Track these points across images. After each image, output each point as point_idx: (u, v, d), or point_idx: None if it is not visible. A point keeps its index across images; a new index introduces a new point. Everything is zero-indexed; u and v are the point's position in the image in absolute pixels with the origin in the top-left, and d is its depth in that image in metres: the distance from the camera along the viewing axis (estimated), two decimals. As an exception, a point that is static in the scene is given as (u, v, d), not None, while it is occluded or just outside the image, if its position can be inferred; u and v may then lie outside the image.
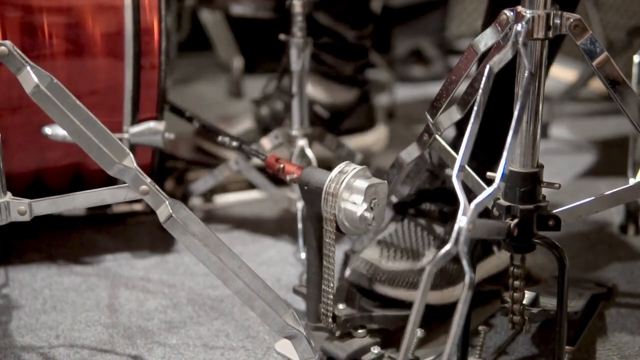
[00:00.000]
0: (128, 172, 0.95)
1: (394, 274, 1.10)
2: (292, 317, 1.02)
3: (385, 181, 1.02)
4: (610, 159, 1.80)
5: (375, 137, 1.70)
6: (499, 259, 1.21)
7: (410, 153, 1.08)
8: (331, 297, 1.03)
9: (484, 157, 1.13)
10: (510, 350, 1.10)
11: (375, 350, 1.04)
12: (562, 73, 2.21)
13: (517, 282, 1.00)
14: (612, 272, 1.30)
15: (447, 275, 1.13)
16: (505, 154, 0.86)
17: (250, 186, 1.47)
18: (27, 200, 0.96)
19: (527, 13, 0.90)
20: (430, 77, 2.33)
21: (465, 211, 0.81)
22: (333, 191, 0.99)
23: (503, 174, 0.85)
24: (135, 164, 0.96)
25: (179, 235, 0.97)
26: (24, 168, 1.26)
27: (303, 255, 1.30)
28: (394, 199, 1.14)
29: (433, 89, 1.06)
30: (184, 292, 1.24)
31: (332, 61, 1.63)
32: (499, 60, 0.91)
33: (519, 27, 0.90)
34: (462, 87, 1.00)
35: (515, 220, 0.94)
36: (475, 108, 0.89)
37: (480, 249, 1.17)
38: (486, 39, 0.95)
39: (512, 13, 0.91)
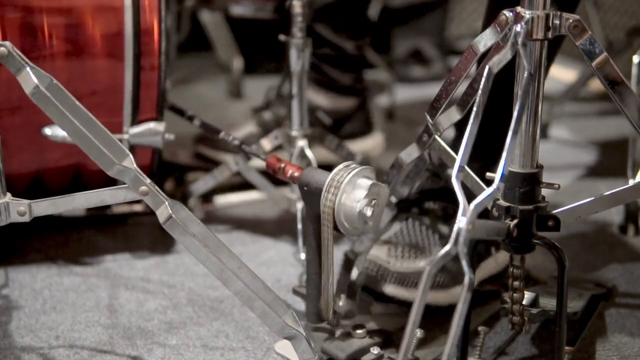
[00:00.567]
0: (128, 172, 0.95)
1: (403, 275, 1.10)
2: (292, 318, 1.02)
3: (387, 185, 1.02)
4: (609, 159, 1.80)
5: (373, 142, 1.72)
6: (495, 262, 1.20)
7: (410, 153, 1.08)
8: (331, 290, 1.03)
9: (486, 158, 1.13)
10: (510, 350, 1.10)
11: (375, 350, 1.04)
12: (561, 73, 2.22)
13: (516, 283, 1.00)
14: (612, 273, 1.30)
15: (454, 274, 1.13)
16: (504, 154, 0.86)
17: (250, 187, 1.47)
18: (26, 201, 0.96)
19: (527, 14, 0.90)
20: (430, 78, 2.33)
21: (464, 212, 0.81)
22: (336, 184, 1.00)
23: (502, 174, 0.85)
24: (134, 165, 0.96)
25: (178, 235, 0.97)
26: (23, 169, 1.26)
27: (303, 256, 1.30)
28: (394, 199, 1.13)
29: (433, 90, 1.06)
30: (183, 293, 1.24)
31: (332, 72, 1.65)
32: (498, 61, 0.91)
33: (518, 27, 0.90)
34: (461, 88, 1.00)
35: (515, 221, 0.94)
36: (474, 108, 0.89)
37: (482, 249, 1.17)
38: (485, 40, 0.95)
39: (511, 14, 0.91)
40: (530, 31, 0.90)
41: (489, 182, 0.88)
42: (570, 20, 0.90)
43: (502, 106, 0.96)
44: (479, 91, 0.90)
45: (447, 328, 0.80)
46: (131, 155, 0.97)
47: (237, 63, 2.21)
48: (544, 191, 0.97)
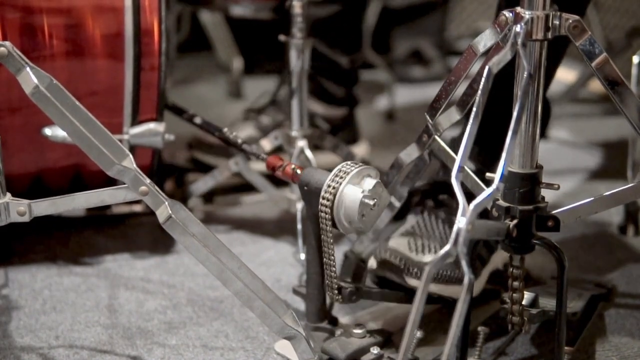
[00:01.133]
0: (127, 173, 0.96)
1: (423, 266, 1.10)
2: (292, 318, 1.02)
3: (390, 195, 1.03)
4: (609, 159, 1.80)
5: (360, 151, 1.73)
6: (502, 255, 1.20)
7: (410, 154, 1.08)
8: (334, 270, 1.03)
9: (489, 158, 1.13)
10: (509, 351, 1.10)
11: (375, 350, 1.04)
12: (561, 74, 2.21)
13: (516, 283, 1.00)
14: (612, 273, 1.30)
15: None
16: (504, 154, 0.86)
17: (250, 187, 1.47)
18: (26, 201, 0.96)
19: (526, 14, 0.90)
20: (430, 78, 2.33)
21: (464, 212, 0.81)
22: (346, 169, 1.00)
23: (502, 174, 0.85)
24: (134, 165, 0.96)
25: (178, 235, 0.97)
26: (23, 169, 1.26)
27: (302, 256, 1.30)
28: (394, 200, 1.13)
29: (432, 90, 1.06)
30: (183, 293, 1.24)
31: (327, 84, 1.67)
32: (498, 61, 0.91)
33: (518, 28, 0.90)
34: (461, 88, 1.00)
35: (515, 221, 0.94)
36: (474, 109, 0.89)
37: (486, 250, 1.17)
38: (485, 40, 0.95)
39: (511, 14, 0.91)
40: (530, 31, 0.90)
41: (488, 183, 0.89)
42: (570, 21, 0.90)
43: (507, 107, 0.95)
44: (479, 91, 0.90)
45: (446, 328, 0.80)
46: (131, 156, 0.97)
47: (237, 63, 2.21)
48: (544, 191, 0.97)
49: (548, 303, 1.05)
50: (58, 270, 1.30)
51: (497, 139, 0.95)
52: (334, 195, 1.00)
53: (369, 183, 1.01)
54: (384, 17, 2.33)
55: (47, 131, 1.19)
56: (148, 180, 0.96)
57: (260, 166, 1.25)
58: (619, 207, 1.44)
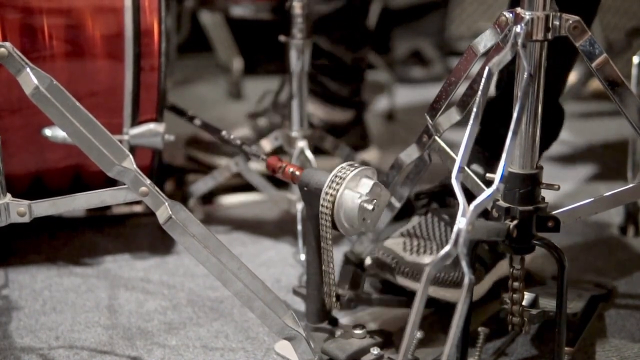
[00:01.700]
0: (128, 173, 0.95)
1: (417, 267, 1.10)
2: (292, 318, 1.02)
3: (389, 192, 1.02)
4: (609, 160, 1.80)
5: (368, 158, 1.71)
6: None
7: (410, 154, 1.08)
8: (333, 277, 1.03)
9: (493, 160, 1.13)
10: (509, 351, 1.10)
11: (375, 351, 1.04)
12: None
13: (516, 284, 1.00)
14: (612, 274, 1.30)
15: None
16: (504, 155, 0.86)
17: (250, 187, 1.47)
18: (26, 202, 0.96)
19: (526, 14, 0.90)
20: (430, 79, 2.33)
21: (464, 212, 0.81)
22: (342, 175, 1.00)
23: (502, 175, 0.85)
24: (134, 166, 0.96)
25: (178, 236, 0.97)
26: (24, 169, 1.26)
27: (302, 257, 1.30)
28: (394, 201, 1.13)
29: (433, 91, 1.06)
30: (183, 293, 1.24)
31: (329, 84, 1.65)
32: (498, 62, 0.91)
33: (518, 28, 0.90)
34: (461, 89, 1.00)
35: (515, 222, 0.94)
36: (474, 109, 0.89)
37: (491, 256, 1.16)
38: (485, 40, 0.95)
39: (511, 14, 0.91)
40: (530, 32, 0.90)
41: (489, 183, 0.89)
42: (570, 21, 0.90)
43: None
44: (479, 92, 0.90)
45: (447, 328, 0.80)
46: (131, 156, 0.97)
47: (237, 64, 2.21)
48: (544, 192, 0.97)
49: (548, 303, 1.05)
50: (58, 271, 1.30)
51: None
52: (333, 203, 1.00)
53: (366, 185, 1.00)
54: (384, 17, 2.33)
55: (47, 132, 1.19)
56: (148, 181, 0.96)
57: (260, 166, 1.25)
58: (619, 207, 1.43)
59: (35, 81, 0.91)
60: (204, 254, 0.97)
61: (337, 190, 1.00)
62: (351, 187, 1.00)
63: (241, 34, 2.35)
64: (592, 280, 1.25)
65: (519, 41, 0.89)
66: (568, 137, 1.89)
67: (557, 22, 0.90)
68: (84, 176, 1.31)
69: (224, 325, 1.16)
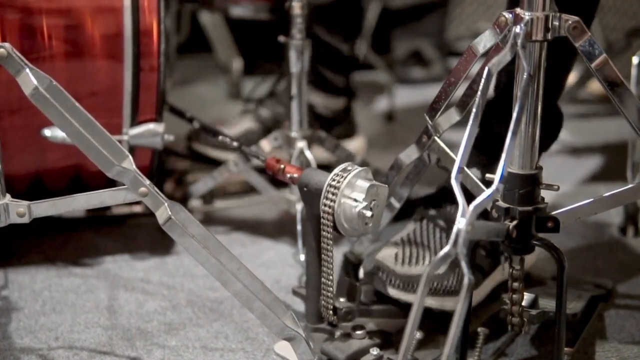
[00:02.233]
0: (127, 174, 0.95)
1: (408, 278, 1.10)
2: (291, 319, 1.02)
3: (386, 185, 1.02)
4: (609, 160, 1.80)
5: (357, 145, 1.73)
6: (503, 271, 1.19)
7: (410, 155, 1.08)
8: (331, 290, 1.03)
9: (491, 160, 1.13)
10: (509, 351, 1.10)
11: (375, 351, 1.04)
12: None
13: (516, 284, 1.00)
14: (611, 274, 1.30)
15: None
16: (504, 155, 0.86)
17: (250, 188, 1.47)
18: (26, 202, 0.96)
19: (526, 15, 0.90)
20: (430, 79, 2.33)
21: (464, 213, 0.81)
22: (336, 184, 1.00)
23: (502, 175, 0.85)
24: (134, 166, 0.96)
25: (178, 237, 0.97)
26: (23, 170, 1.26)
27: (302, 257, 1.30)
28: (393, 201, 1.13)
29: (432, 91, 1.06)
30: (183, 294, 1.24)
31: (327, 73, 1.66)
32: (497, 62, 0.91)
33: (517, 29, 0.90)
34: (461, 89, 1.00)
35: (514, 222, 0.94)
36: (474, 109, 0.89)
37: (489, 262, 1.16)
38: (485, 41, 0.95)
39: (510, 15, 0.91)
40: (529, 32, 0.90)
41: (488, 184, 0.88)
42: (570, 22, 0.90)
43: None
44: (478, 92, 0.90)
45: (446, 329, 0.80)
46: (130, 157, 0.97)
47: (237, 64, 2.21)
48: (544, 192, 0.97)
49: (548, 304, 1.05)
50: (58, 272, 1.30)
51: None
52: (333, 215, 1.00)
53: (362, 188, 1.00)
54: (384, 17, 2.33)
55: (47, 132, 1.19)
56: (148, 181, 0.96)
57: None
58: (619, 208, 1.43)
59: (35, 82, 0.91)
60: (204, 255, 0.97)
61: (334, 201, 0.99)
62: (347, 195, 1.00)
63: (241, 34, 2.35)
64: (592, 280, 1.25)
65: (519, 41, 0.89)
66: (568, 137, 1.89)
67: (556, 23, 0.90)
68: (84, 176, 1.31)
69: (223, 326, 1.16)
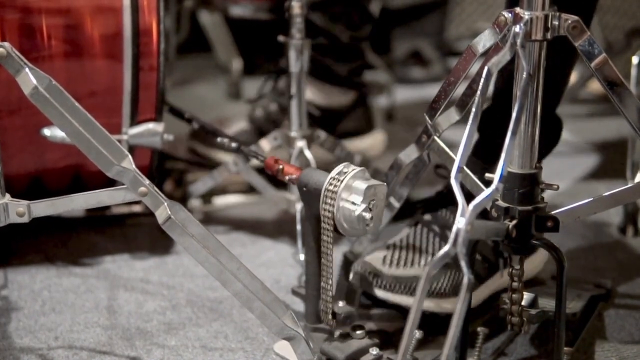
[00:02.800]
0: (127, 173, 0.95)
1: (395, 279, 1.10)
2: (291, 319, 1.02)
3: (385, 183, 1.02)
4: (608, 160, 1.80)
5: (371, 142, 1.70)
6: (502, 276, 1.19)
7: (409, 154, 1.08)
8: (330, 294, 1.03)
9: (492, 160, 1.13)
10: (509, 351, 1.10)
11: (374, 351, 1.04)
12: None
13: (515, 284, 1.00)
14: (611, 273, 1.30)
15: (456, 284, 1.12)
16: (503, 155, 0.86)
17: (249, 188, 1.47)
18: (25, 202, 0.96)
19: (526, 14, 0.90)
20: (430, 79, 2.33)
21: (463, 212, 0.81)
22: (333, 189, 0.99)
23: (501, 175, 0.85)
24: (133, 166, 0.96)
25: (177, 236, 0.97)
26: (23, 169, 1.26)
27: (302, 257, 1.30)
28: (393, 201, 1.13)
29: (432, 91, 1.06)
30: (183, 294, 1.24)
31: (327, 62, 1.63)
32: (497, 62, 0.91)
33: (517, 28, 0.90)
34: (461, 89, 1.00)
35: (514, 222, 0.94)
36: (473, 109, 0.89)
37: (486, 268, 1.16)
38: (485, 40, 0.95)
39: (510, 14, 0.91)
40: (529, 32, 0.90)
41: (488, 183, 0.88)
42: (569, 21, 0.90)
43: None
44: (478, 92, 0.90)
45: (446, 329, 0.80)
46: (130, 156, 0.97)
47: (237, 64, 2.21)
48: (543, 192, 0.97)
49: (547, 303, 1.05)
50: (57, 271, 1.30)
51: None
52: (333, 220, 1.00)
53: (359, 190, 0.99)
54: (383, 17, 2.33)
55: (46, 132, 1.19)
56: (147, 181, 0.96)
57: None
58: (619, 207, 1.43)
59: (34, 81, 0.91)
60: (203, 254, 0.97)
61: (334, 206, 0.99)
62: (345, 198, 1.00)
63: (240, 34, 2.35)
64: (592, 280, 1.25)
65: (518, 41, 0.89)
66: (568, 137, 1.89)
67: (556, 22, 0.90)
68: (83, 176, 1.31)
69: (223, 326, 1.16)
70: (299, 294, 1.14)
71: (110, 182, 1.03)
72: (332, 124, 1.62)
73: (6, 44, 0.91)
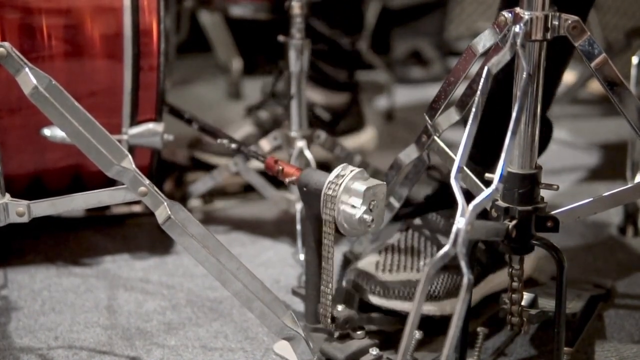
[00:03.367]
0: (127, 173, 0.95)
1: (388, 285, 1.10)
2: (291, 319, 1.02)
3: (384, 182, 1.02)
4: (608, 160, 1.80)
5: (367, 137, 1.74)
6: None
7: (409, 154, 1.08)
8: (330, 297, 1.03)
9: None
10: (508, 351, 1.10)
11: (374, 351, 1.04)
12: (561, 74, 2.21)
13: (515, 284, 1.00)
14: (611, 274, 1.30)
15: (451, 287, 1.12)
16: (503, 155, 0.86)
17: (249, 188, 1.47)
18: (25, 202, 0.96)
19: (526, 14, 0.90)
20: (430, 79, 2.33)
21: (463, 212, 0.81)
22: (332, 193, 0.99)
23: (501, 175, 0.85)
24: (133, 166, 0.96)
25: (177, 236, 0.97)
26: (23, 169, 1.26)
27: (302, 257, 1.30)
28: (393, 201, 1.13)
29: (432, 91, 1.06)
30: (182, 294, 1.24)
31: (327, 69, 1.65)
32: (497, 62, 0.91)
33: (517, 28, 0.90)
34: (461, 89, 1.00)
35: (514, 222, 0.94)
36: (473, 109, 0.89)
37: (491, 261, 1.16)
38: (485, 40, 0.95)
39: (510, 14, 0.91)
40: (529, 32, 0.90)
41: (488, 183, 0.88)
42: (569, 21, 0.90)
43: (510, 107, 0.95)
44: (478, 92, 0.90)
45: (445, 329, 0.80)
46: (130, 156, 0.97)
47: (237, 64, 2.21)
48: (543, 192, 0.97)
49: (547, 304, 1.05)
50: (57, 271, 1.30)
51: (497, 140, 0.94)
52: (335, 223, 1.00)
53: (358, 192, 0.99)
54: (383, 17, 2.33)
55: (46, 132, 1.19)
56: (147, 181, 0.96)
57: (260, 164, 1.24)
58: (619, 207, 1.43)
59: (34, 81, 0.91)
60: (203, 254, 0.97)
61: (334, 210, 0.99)
62: (345, 201, 0.99)
63: (240, 34, 2.35)
64: (591, 280, 1.25)
65: (518, 41, 0.89)
66: (567, 137, 1.89)
67: (556, 22, 0.90)
68: (83, 176, 1.31)
69: (223, 326, 1.16)
70: (299, 294, 1.14)
71: (110, 182, 1.03)
72: (334, 123, 1.65)
73: (6, 43, 0.91)
